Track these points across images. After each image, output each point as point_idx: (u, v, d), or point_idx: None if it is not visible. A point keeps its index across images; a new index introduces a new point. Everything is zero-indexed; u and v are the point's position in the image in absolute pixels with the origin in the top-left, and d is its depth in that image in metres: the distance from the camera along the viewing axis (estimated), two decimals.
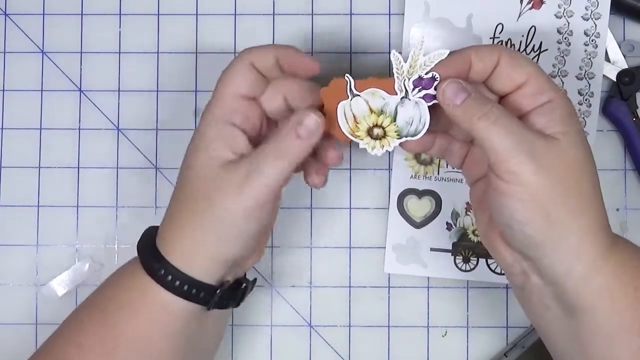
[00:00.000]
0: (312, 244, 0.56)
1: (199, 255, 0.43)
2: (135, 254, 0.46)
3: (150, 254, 0.44)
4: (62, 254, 0.56)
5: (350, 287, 0.56)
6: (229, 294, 0.45)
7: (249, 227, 0.43)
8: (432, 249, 0.55)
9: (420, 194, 0.56)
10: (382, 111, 0.43)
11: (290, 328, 0.56)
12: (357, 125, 0.44)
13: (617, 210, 0.56)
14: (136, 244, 0.46)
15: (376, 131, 0.44)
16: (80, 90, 0.57)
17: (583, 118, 0.55)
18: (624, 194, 0.56)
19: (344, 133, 0.44)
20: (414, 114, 0.43)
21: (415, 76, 0.43)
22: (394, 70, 0.43)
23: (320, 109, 0.44)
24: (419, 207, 0.56)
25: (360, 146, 0.44)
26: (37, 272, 0.56)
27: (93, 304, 0.46)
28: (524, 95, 0.42)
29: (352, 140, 0.44)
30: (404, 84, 0.43)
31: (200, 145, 0.44)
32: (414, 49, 0.42)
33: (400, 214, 0.56)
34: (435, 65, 0.42)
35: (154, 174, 0.57)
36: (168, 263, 0.43)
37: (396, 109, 0.43)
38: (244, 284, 0.47)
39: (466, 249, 0.55)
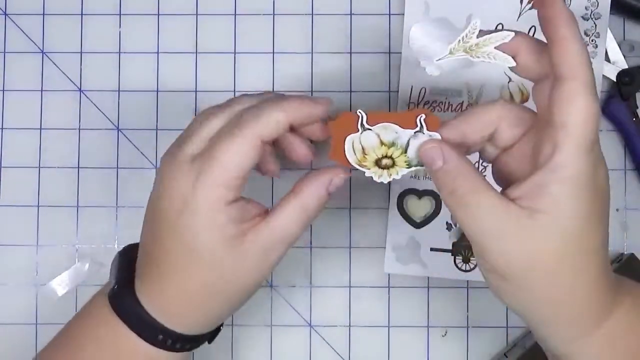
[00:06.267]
0: (312, 244, 0.56)
1: (197, 320, 0.42)
2: None
3: (138, 318, 0.41)
4: (62, 254, 0.56)
5: (350, 287, 0.56)
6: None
7: (255, 290, 0.42)
8: (432, 249, 0.55)
9: (420, 194, 0.56)
10: (393, 143, 0.42)
11: (290, 328, 0.56)
12: (365, 156, 0.42)
13: (617, 210, 0.56)
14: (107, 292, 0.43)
15: (385, 162, 0.42)
16: (80, 90, 0.57)
17: None
18: (624, 194, 0.56)
19: (349, 162, 0.42)
20: None
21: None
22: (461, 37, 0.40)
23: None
24: (419, 207, 0.56)
25: (366, 175, 0.42)
26: (37, 272, 0.56)
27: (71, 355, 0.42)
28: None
29: (356, 169, 0.42)
30: (420, 120, 0.41)
31: (205, 226, 0.39)
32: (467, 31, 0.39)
33: (400, 214, 0.56)
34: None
35: (153, 174, 0.57)
36: (161, 325, 0.41)
37: (408, 141, 0.41)
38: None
39: (466, 249, 0.55)
